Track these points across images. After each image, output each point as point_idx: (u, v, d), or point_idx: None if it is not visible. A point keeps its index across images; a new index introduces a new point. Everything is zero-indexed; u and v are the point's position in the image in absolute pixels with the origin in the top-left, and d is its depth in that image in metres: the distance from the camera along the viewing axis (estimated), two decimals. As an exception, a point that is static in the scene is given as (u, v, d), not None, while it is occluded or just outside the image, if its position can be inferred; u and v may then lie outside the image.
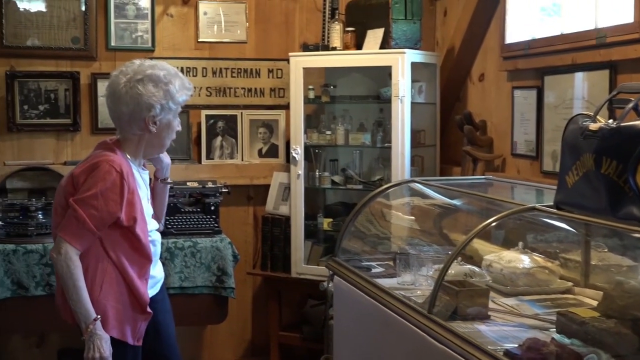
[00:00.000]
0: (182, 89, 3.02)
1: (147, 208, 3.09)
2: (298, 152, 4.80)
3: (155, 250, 3.11)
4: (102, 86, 4.92)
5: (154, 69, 2.97)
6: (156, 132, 3.00)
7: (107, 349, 2.85)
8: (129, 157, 3.02)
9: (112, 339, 2.90)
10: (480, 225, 2.74)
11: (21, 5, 4.84)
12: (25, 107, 4.89)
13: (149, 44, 5.05)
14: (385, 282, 3.23)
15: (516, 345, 2.30)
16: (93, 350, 2.82)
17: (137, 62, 3.03)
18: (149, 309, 3.00)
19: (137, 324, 2.98)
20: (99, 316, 2.84)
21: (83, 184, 2.85)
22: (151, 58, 4.90)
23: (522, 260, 3.08)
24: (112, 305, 2.90)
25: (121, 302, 2.93)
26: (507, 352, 2.26)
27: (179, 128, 3.12)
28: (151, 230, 3.08)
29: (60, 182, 3.00)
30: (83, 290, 2.82)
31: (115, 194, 2.85)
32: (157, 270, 3.16)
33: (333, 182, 4.95)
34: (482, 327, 2.63)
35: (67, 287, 2.82)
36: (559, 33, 3.81)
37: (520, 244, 3.16)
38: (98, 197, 2.82)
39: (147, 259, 3.00)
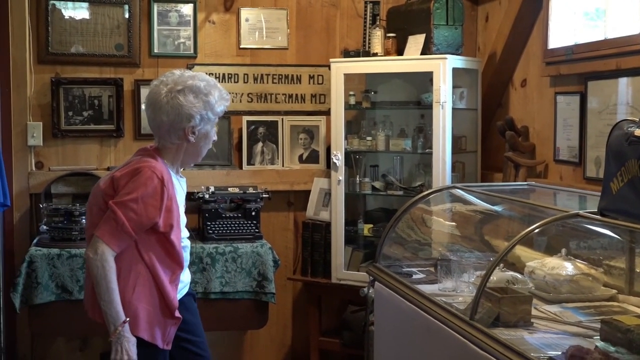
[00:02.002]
0: (221, 100, 3.06)
1: (183, 215, 3.12)
2: (339, 157, 4.81)
3: (186, 256, 3.14)
4: (145, 92, 4.92)
5: (194, 80, 3.01)
6: (194, 141, 3.04)
7: (134, 352, 2.87)
8: (167, 164, 3.05)
9: (143, 341, 2.92)
10: (523, 232, 2.72)
11: (66, 13, 4.91)
12: (70, 113, 4.95)
13: (191, 51, 5.09)
14: (426, 289, 3.23)
15: (560, 353, 2.28)
16: (121, 352, 2.85)
17: (177, 72, 3.07)
18: (178, 314, 3.02)
19: (166, 328, 3.00)
20: (127, 319, 2.86)
21: (124, 187, 2.87)
22: (193, 64, 5.00)
23: (565, 267, 3.05)
24: (143, 307, 2.92)
25: (152, 305, 2.95)
26: (550, 360, 2.25)
27: (215, 138, 3.17)
28: (183, 237, 3.12)
29: (98, 183, 3.02)
30: (115, 293, 2.84)
31: (156, 199, 2.88)
32: (185, 275, 3.18)
33: (373, 188, 4.94)
34: (524, 334, 2.61)
35: (99, 288, 2.83)
36: (602, 38, 3.78)
37: (563, 250, 3.13)
38: (138, 201, 2.84)
39: (178, 265, 3.02)
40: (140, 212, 2.84)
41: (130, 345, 2.86)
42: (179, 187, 3.10)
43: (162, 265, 2.97)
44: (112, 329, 2.84)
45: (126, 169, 2.95)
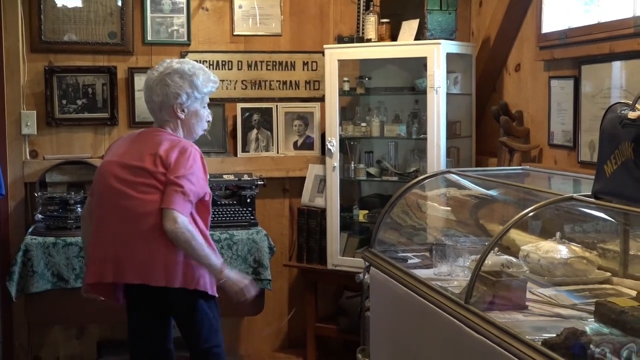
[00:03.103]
0: (207, 81, 3.45)
1: None
2: (333, 144, 4.81)
3: None
4: (138, 80, 4.98)
5: (180, 64, 3.44)
6: (185, 119, 3.43)
7: (244, 278, 3.43)
8: None
9: (206, 295, 3.36)
10: (518, 216, 2.73)
11: (59, 2, 4.89)
12: (64, 101, 4.95)
13: (185, 38, 5.08)
14: (421, 273, 3.23)
15: (554, 335, 2.29)
16: (237, 283, 3.36)
17: (168, 60, 3.50)
18: None
19: (214, 280, 3.41)
20: (222, 259, 3.39)
21: (177, 164, 3.24)
22: (187, 52, 5.00)
23: (560, 250, 3.06)
24: None
25: None
26: (545, 342, 2.25)
27: (209, 118, 3.56)
28: None
29: (125, 162, 3.31)
30: (205, 246, 3.27)
31: (202, 172, 3.33)
32: None
33: (368, 174, 4.94)
34: (519, 317, 2.62)
35: (193, 248, 3.23)
36: (596, 22, 3.77)
37: (558, 234, 3.13)
38: (194, 174, 3.26)
39: (209, 227, 3.48)
40: (196, 183, 3.26)
41: (238, 276, 3.40)
42: None
43: (205, 227, 3.40)
44: (218, 273, 3.31)
45: (168, 146, 3.29)
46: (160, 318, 3.50)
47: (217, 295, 3.43)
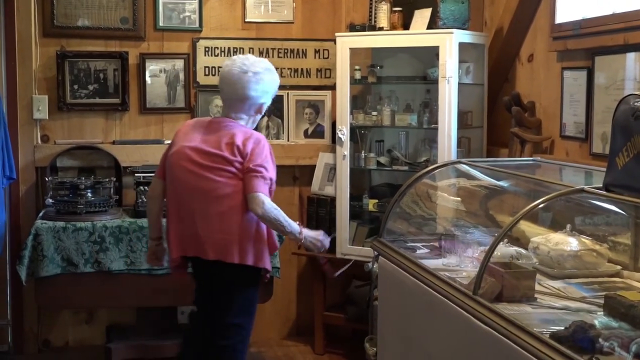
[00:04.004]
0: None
1: None
2: (344, 132, 4.80)
3: None
4: (150, 66, 4.98)
5: (265, 63, 3.66)
6: (261, 114, 3.72)
7: (318, 234, 3.73)
8: None
9: (264, 271, 3.61)
10: (528, 207, 2.71)
11: (71, -14, 4.90)
12: (75, 86, 4.95)
13: (197, 24, 5.07)
14: (430, 263, 3.22)
15: (563, 328, 2.28)
16: (315, 243, 3.70)
17: (252, 57, 3.68)
18: None
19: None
20: (299, 223, 3.68)
21: (253, 153, 3.50)
22: (199, 38, 5.00)
23: (570, 242, 3.04)
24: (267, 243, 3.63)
25: (266, 241, 3.63)
26: (553, 335, 2.25)
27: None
28: None
29: (204, 149, 3.51)
30: (286, 218, 3.56)
31: (272, 161, 3.60)
32: None
33: (379, 163, 4.93)
34: (527, 309, 2.61)
35: (279, 222, 3.53)
36: (610, 12, 3.74)
37: (568, 226, 3.12)
38: (269, 162, 3.55)
39: None
40: (270, 170, 3.55)
41: (314, 233, 3.73)
42: None
43: None
44: (298, 237, 3.62)
45: (241, 137, 3.52)
46: (211, 290, 3.64)
47: (270, 276, 3.78)
